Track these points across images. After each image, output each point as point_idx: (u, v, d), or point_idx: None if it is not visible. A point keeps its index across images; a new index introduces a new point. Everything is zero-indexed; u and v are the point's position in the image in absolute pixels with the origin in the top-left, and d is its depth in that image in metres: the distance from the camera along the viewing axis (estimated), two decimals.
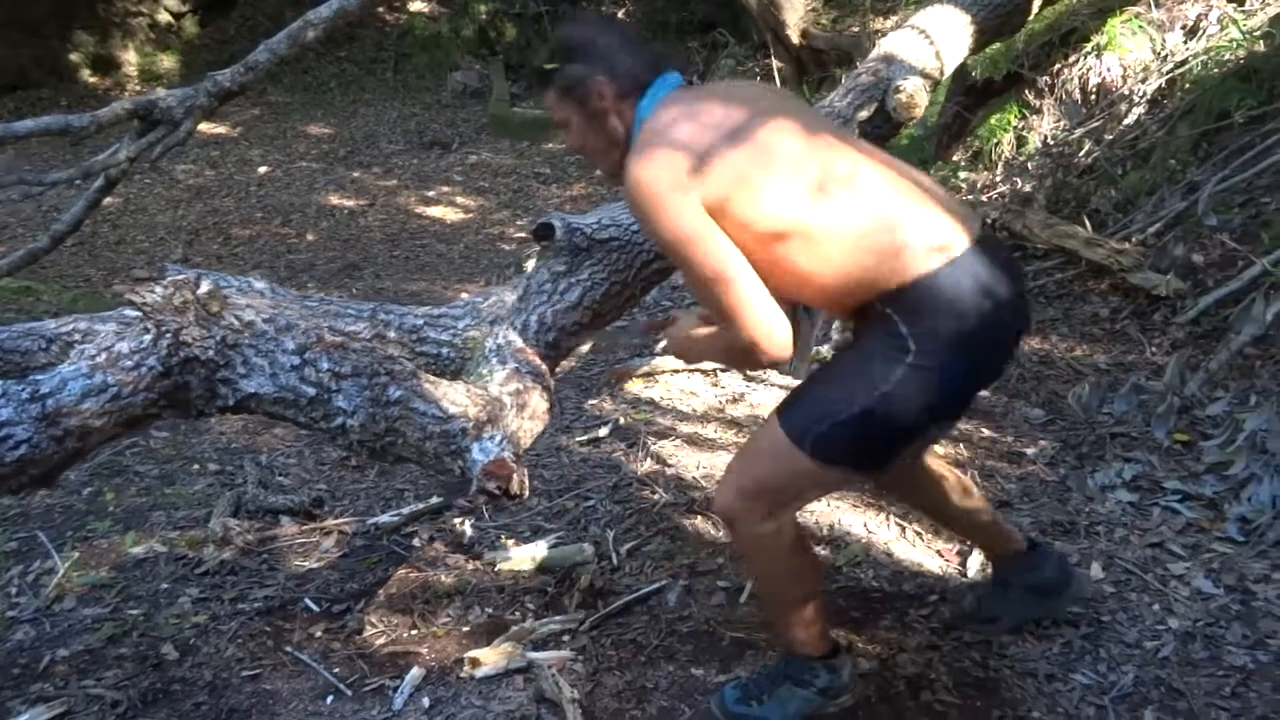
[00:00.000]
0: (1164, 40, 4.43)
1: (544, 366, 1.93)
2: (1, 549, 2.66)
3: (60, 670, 2.19)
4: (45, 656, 2.23)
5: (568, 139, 1.81)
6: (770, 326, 1.59)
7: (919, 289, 1.58)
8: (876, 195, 1.61)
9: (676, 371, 3.63)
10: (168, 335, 1.56)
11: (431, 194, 7.36)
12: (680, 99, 1.66)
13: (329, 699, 2.08)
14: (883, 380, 1.59)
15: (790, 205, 1.57)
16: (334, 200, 7.23)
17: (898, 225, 1.59)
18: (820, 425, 1.63)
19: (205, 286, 1.58)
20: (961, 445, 2.92)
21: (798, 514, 1.89)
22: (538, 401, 1.81)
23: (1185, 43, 4.37)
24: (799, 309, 1.85)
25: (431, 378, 1.70)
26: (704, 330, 1.87)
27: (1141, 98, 4.34)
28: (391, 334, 2.07)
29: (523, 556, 2.52)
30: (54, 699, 2.09)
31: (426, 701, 2.05)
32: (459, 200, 7.21)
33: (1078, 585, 2.11)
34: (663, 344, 1.94)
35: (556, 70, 1.71)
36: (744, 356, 1.65)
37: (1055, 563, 2.09)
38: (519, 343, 1.94)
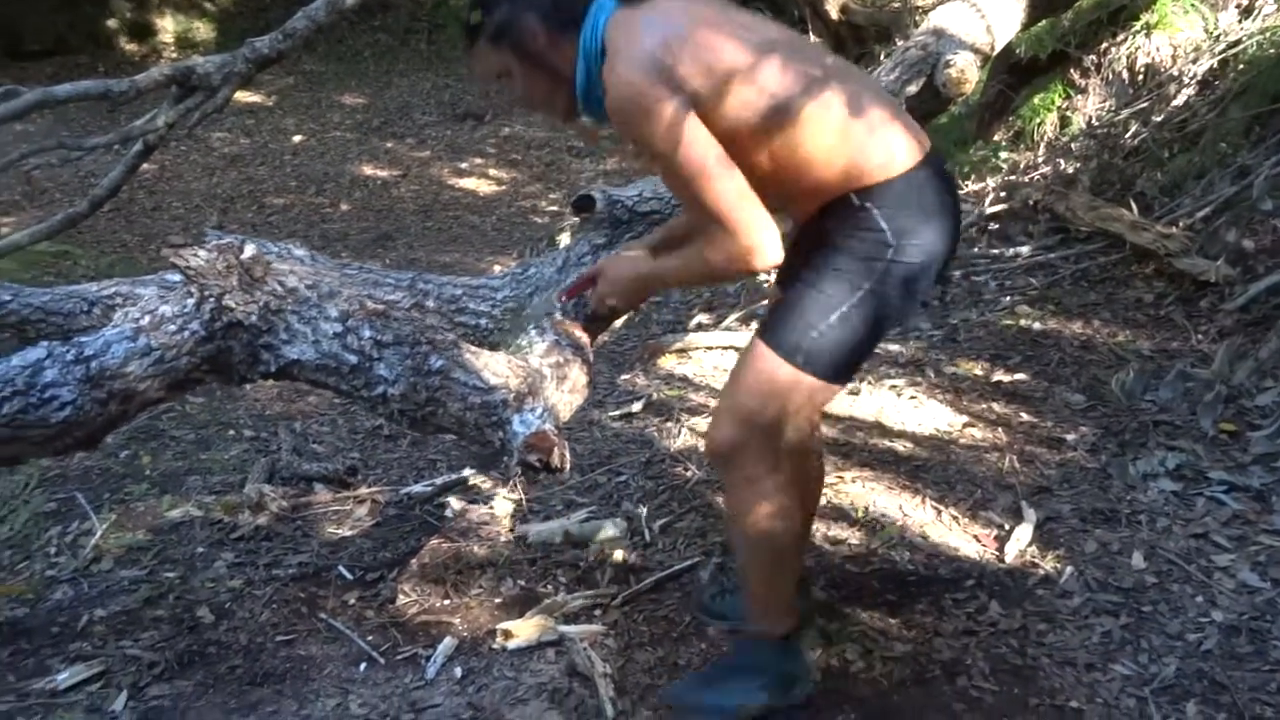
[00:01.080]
0: (1217, 19, 4.32)
1: (584, 339, 1.91)
2: (41, 510, 2.70)
3: (98, 630, 2.22)
4: (83, 616, 2.26)
5: (511, 91, 1.74)
6: (765, 231, 1.55)
7: (901, 184, 1.59)
8: (859, 90, 1.62)
9: (711, 348, 3.61)
10: (211, 300, 1.55)
11: (464, 166, 7.35)
12: (635, 10, 1.59)
13: (362, 666, 2.09)
14: (866, 278, 1.59)
15: (783, 92, 1.55)
16: (367, 170, 7.24)
17: (880, 121, 1.60)
18: (811, 334, 1.60)
19: (249, 251, 1.57)
20: (1000, 429, 2.88)
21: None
22: (578, 375, 1.80)
23: (1239, 22, 4.25)
24: None
25: (473, 348, 1.69)
26: (654, 264, 1.80)
27: (1192, 78, 4.24)
28: (430, 303, 2.06)
29: (555, 529, 2.51)
30: (92, 658, 2.11)
31: (459, 672, 2.05)
32: (492, 172, 7.19)
33: (814, 628, 2.07)
34: (599, 297, 1.87)
35: (484, 22, 1.65)
36: (733, 268, 1.59)
37: (810, 603, 2.04)
38: (559, 315, 1.92)
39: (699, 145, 1.52)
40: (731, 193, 1.53)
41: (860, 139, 1.58)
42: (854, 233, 1.60)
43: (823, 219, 1.64)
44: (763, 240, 1.55)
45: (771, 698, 1.85)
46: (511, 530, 2.56)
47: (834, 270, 1.61)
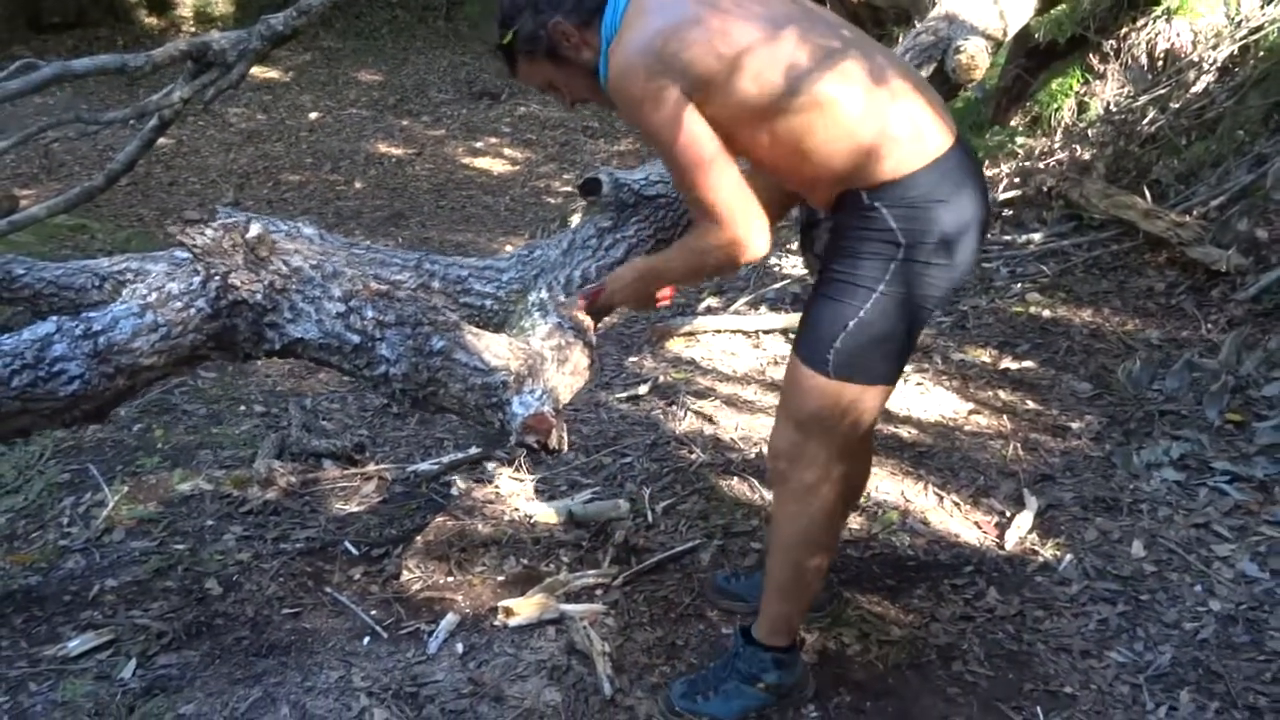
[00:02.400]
0: (1239, 5, 4.26)
1: (587, 322, 1.92)
2: (54, 480, 2.74)
3: (109, 600, 2.26)
4: (95, 586, 2.30)
5: (561, 98, 1.77)
6: (754, 224, 1.58)
7: (909, 183, 1.55)
8: (875, 80, 1.57)
9: (719, 332, 3.62)
10: (216, 278, 1.57)
11: (479, 145, 7.35)
12: (644, 4, 1.58)
13: (366, 640, 2.12)
14: (877, 280, 1.57)
15: (788, 80, 1.52)
16: (382, 148, 7.25)
17: (895, 114, 1.56)
18: (834, 343, 1.61)
19: (254, 230, 1.59)
20: (1005, 417, 2.88)
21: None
22: (579, 357, 1.81)
23: (1261, 8, 4.19)
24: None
25: (474, 329, 1.71)
26: (650, 259, 1.85)
27: (1212, 65, 4.19)
28: (436, 284, 2.08)
29: (559, 509, 2.54)
30: (102, 626, 2.16)
31: (460, 648, 2.08)
32: (506, 152, 7.19)
33: (834, 606, 2.11)
34: (607, 297, 1.91)
35: (512, 40, 1.66)
36: (720, 258, 1.62)
37: (833, 591, 2.09)
38: (562, 297, 1.93)
39: (693, 134, 1.52)
40: (722, 184, 1.54)
41: (873, 134, 1.54)
42: (864, 233, 1.58)
43: (838, 212, 1.63)
44: (749, 233, 1.57)
45: (770, 707, 1.88)
46: (516, 509, 2.58)
47: (846, 276, 1.60)
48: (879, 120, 1.55)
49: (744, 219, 1.56)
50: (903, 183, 1.55)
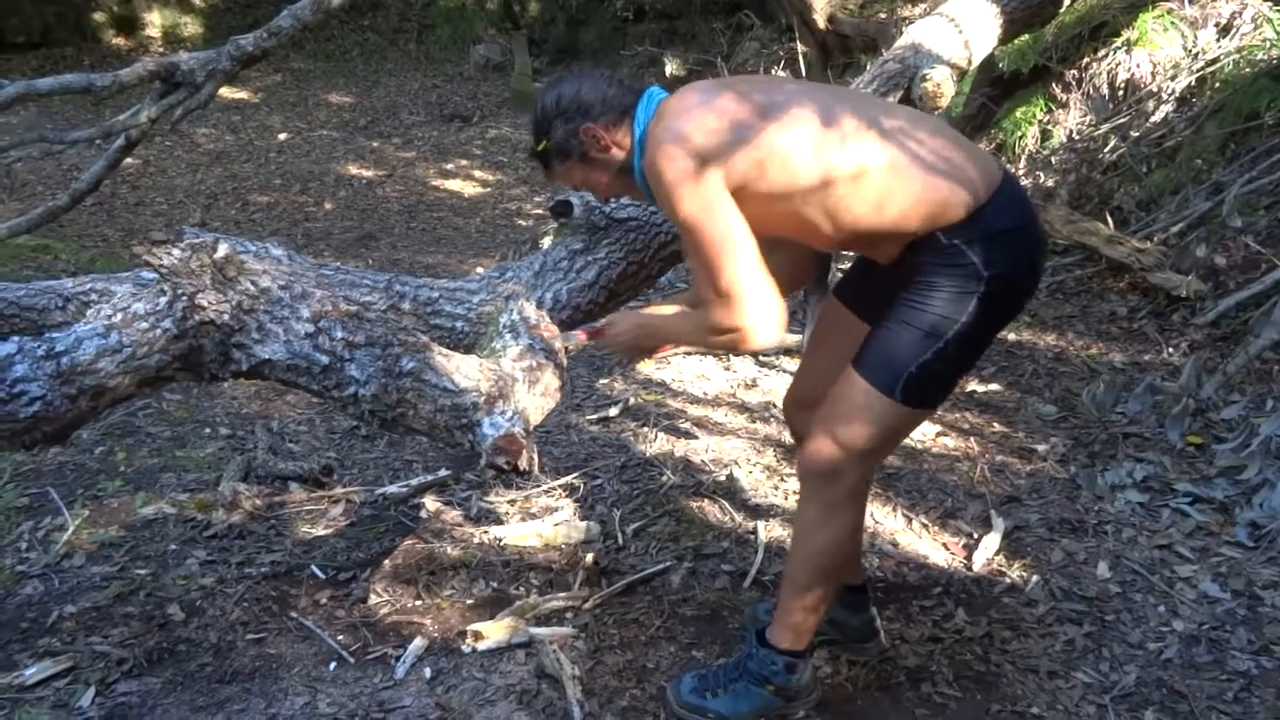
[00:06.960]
0: (1196, 37, 4.38)
1: (557, 344, 1.92)
2: (13, 504, 2.69)
3: (67, 626, 2.21)
4: (53, 612, 2.25)
5: (597, 195, 1.83)
6: (767, 314, 1.62)
7: (982, 217, 1.60)
8: (923, 136, 1.64)
9: (690, 354, 3.63)
10: (183, 298, 1.56)
11: (450, 167, 7.35)
12: (682, 95, 1.67)
13: (332, 665, 2.09)
14: (960, 312, 1.62)
15: (842, 157, 1.59)
16: (353, 170, 7.23)
17: (952, 162, 1.62)
18: (909, 369, 1.64)
19: (222, 250, 1.58)
20: (972, 439, 2.91)
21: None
22: (550, 379, 1.81)
23: (1217, 41, 4.31)
24: None
25: (444, 351, 1.70)
26: (662, 310, 1.88)
27: (1170, 95, 4.30)
28: (406, 305, 2.07)
29: (529, 532, 2.53)
30: (60, 654, 2.11)
31: (428, 672, 2.06)
32: (477, 174, 7.20)
33: (876, 645, 2.06)
34: (609, 340, 1.93)
35: (547, 145, 1.74)
36: (727, 342, 1.66)
37: (868, 616, 2.06)
38: (534, 319, 1.93)
39: (726, 222, 1.57)
40: (743, 274, 1.58)
41: (935, 183, 1.60)
42: (946, 269, 1.62)
43: (911, 255, 1.66)
44: (760, 323, 1.61)
45: (776, 709, 1.88)
46: (486, 532, 2.57)
47: (930, 308, 1.63)
48: (936, 176, 1.60)
49: (758, 309, 1.60)
50: (975, 218, 1.60)
